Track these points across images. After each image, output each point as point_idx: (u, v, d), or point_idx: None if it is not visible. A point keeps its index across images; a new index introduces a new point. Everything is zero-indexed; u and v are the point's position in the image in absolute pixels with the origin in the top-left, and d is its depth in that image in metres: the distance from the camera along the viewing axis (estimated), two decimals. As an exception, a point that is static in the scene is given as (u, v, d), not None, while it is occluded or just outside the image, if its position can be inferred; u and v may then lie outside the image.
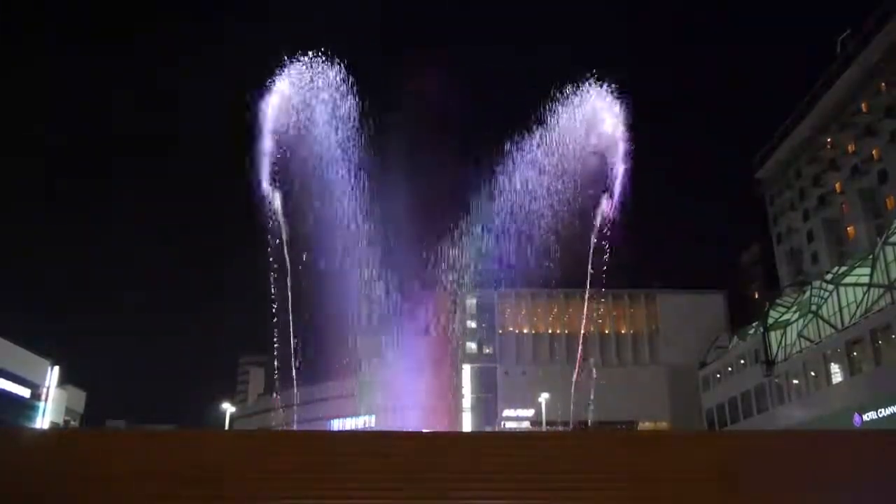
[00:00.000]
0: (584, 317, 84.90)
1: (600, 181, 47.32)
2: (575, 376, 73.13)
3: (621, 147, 44.52)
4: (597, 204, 47.18)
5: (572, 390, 77.07)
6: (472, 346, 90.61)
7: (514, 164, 48.87)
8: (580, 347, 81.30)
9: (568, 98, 45.02)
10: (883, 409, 39.91)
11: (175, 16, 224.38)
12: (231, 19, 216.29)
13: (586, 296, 53.57)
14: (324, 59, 42.15)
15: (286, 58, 41.11)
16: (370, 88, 45.80)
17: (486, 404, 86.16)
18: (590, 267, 48.60)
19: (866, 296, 44.74)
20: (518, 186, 49.13)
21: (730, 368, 66.97)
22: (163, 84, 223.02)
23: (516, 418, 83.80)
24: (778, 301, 57.82)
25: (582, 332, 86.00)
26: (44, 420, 58.10)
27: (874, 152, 63.25)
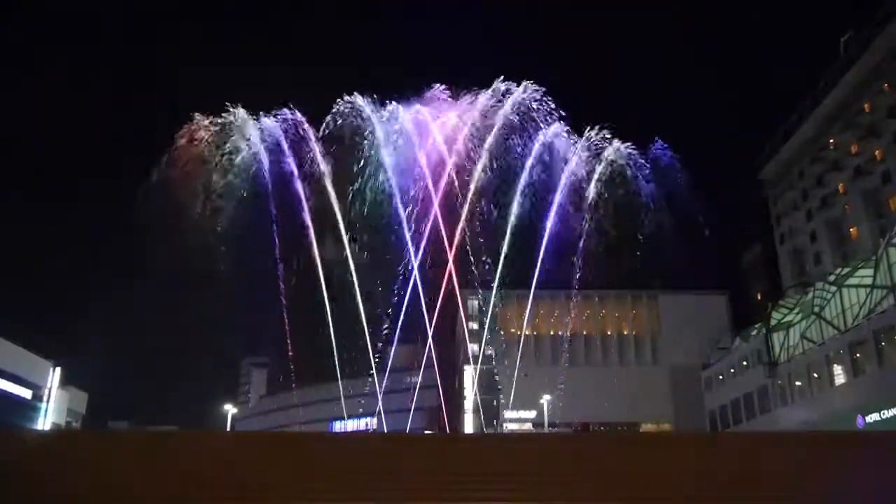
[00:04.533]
0: (588, 318, 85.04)
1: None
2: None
3: None
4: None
5: (574, 392, 77.01)
6: (473, 347, 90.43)
7: None
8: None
9: None
10: (886, 411, 39.74)
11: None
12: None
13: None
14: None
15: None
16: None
17: (488, 406, 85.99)
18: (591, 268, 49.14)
19: (869, 297, 44.59)
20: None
21: (732, 370, 66.77)
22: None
23: (518, 420, 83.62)
24: (780, 302, 57.60)
25: (584, 332, 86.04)
26: (45, 421, 58.08)
27: (877, 153, 63.13)
